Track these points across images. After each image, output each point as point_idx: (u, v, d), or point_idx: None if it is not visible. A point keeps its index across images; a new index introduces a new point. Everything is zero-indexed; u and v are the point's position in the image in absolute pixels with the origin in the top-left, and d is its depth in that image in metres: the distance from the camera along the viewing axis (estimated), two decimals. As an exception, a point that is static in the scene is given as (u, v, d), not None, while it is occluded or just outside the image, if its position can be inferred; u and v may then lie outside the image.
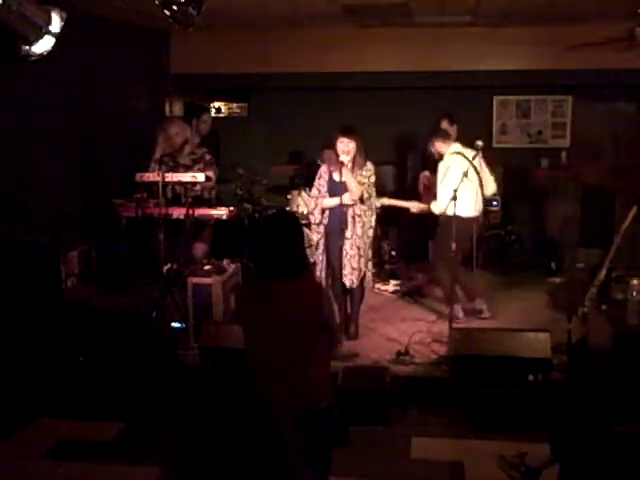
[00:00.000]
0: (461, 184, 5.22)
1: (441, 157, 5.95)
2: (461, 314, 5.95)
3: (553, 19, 7.05)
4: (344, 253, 5.29)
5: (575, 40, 7.23)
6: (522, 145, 8.11)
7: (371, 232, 5.43)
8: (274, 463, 2.85)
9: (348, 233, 5.28)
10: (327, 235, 5.42)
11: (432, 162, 7.34)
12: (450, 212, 5.31)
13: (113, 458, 4.14)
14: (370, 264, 5.57)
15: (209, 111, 7.56)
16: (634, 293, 4.55)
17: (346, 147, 5.20)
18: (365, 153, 5.35)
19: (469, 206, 5.80)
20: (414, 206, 6.22)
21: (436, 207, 5.86)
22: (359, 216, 5.30)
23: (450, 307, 5.42)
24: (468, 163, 5.45)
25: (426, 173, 7.20)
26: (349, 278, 5.33)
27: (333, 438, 3.05)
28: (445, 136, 6.11)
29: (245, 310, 3.08)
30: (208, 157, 6.22)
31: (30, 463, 4.10)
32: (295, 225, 3.09)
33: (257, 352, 2.98)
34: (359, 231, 5.31)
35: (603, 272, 4.91)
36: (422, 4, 6.43)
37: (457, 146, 5.92)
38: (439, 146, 5.99)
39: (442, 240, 5.73)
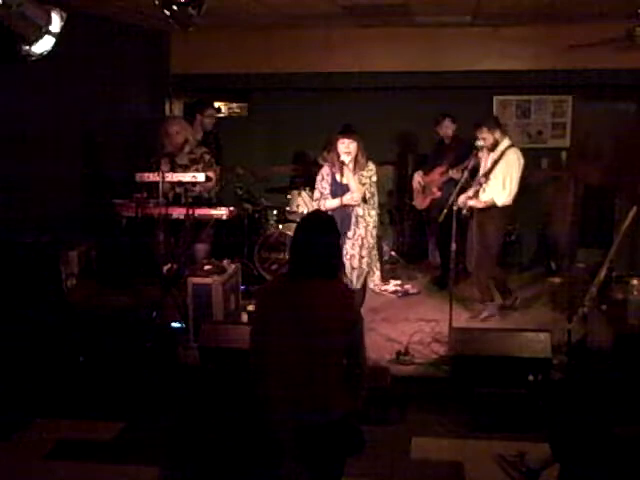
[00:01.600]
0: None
1: (494, 146, 5.90)
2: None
3: (553, 19, 7.05)
4: (344, 253, 5.28)
5: (575, 40, 7.23)
6: (522, 145, 8.05)
7: (375, 232, 5.42)
8: (271, 467, 2.82)
9: (350, 233, 5.28)
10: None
11: (428, 161, 7.38)
12: (500, 203, 5.79)
13: (113, 458, 4.14)
14: (378, 264, 5.54)
15: (213, 106, 7.56)
16: (634, 293, 4.55)
17: (347, 148, 5.18)
18: (366, 151, 5.36)
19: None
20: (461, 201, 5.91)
21: (502, 198, 5.82)
22: (362, 217, 5.30)
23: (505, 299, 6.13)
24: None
25: (420, 172, 7.22)
26: (348, 278, 5.32)
27: (343, 450, 2.96)
28: (503, 127, 6.14)
29: (269, 304, 2.98)
30: (207, 157, 6.21)
31: (30, 463, 4.10)
32: (333, 226, 3.08)
33: (270, 350, 2.87)
34: (362, 232, 5.31)
35: (603, 272, 4.91)
36: (422, 4, 6.43)
37: (508, 139, 6.05)
38: (500, 137, 5.95)
39: (497, 232, 5.97)
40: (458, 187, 5.57)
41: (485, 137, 5.87)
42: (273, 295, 3.01)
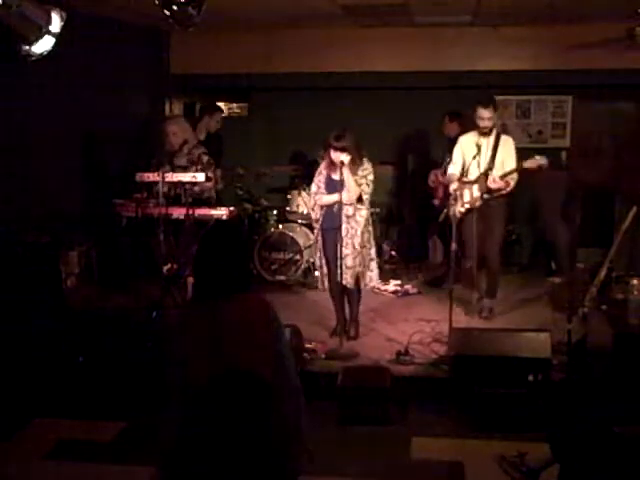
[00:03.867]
0: None
1: (491, 129, 5.81)
2: None
3: (553, 19, 7.05)
4: (343, 253, 5.29)
5: (575, 40, 7.24)
6: (522, 145, 8.07)
7: (366, 230, 5.41)
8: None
9: (343, 233, 5.28)
10: (323, 234, 5.45)
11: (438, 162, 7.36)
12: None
13: (113, 458, 4.14)
14: (374, 263, 5.54)
15: (222, 110, 7.57)
16: (634, 293, 4.55)
17: (338, 159, 5.19)
18: (366, 152, 5.36)
19: None
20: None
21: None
22: (352, 217, 5.32)
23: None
24: None
25: (437, 171, 7.20)
26: (344, 277, 5.34)
27: None
28: None
29: (182, 338, 2.59)
30: (205, 158, 6.19)
31: (30, 463, 4.10)
32: (234, 236, 2.72)
33: (189, 390, 2.46)
34: (353, 231, 5.33)
35: (603, 272, 4.91)
36: (422, 4, 6.43)
37: None
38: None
39: (505, 221, 6.03)
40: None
41: (491, 117, 5.72)
42: (185, 326, 2.64)
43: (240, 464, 2.39)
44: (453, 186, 5.90)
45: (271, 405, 2.46)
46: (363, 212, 5.37)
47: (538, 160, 5.58)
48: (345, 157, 5.21)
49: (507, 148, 5.82)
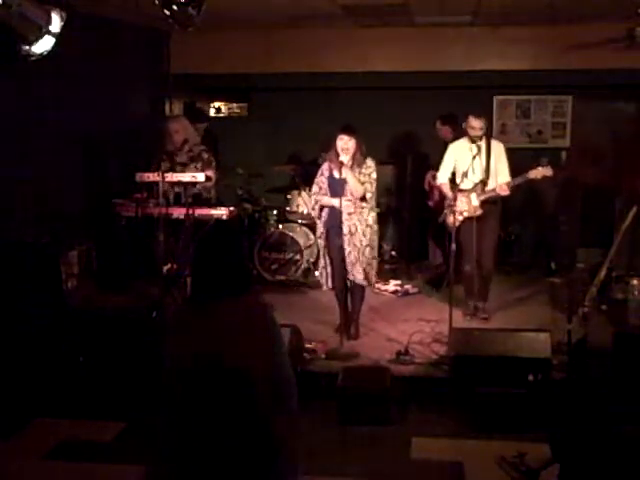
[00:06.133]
0: None
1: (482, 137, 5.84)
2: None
3: (553, 19, 7.06)
4: (345, 250, 5.33)
5: (575, 40, 7.24)
6: (522, 145, 8.10)
7: (369, 230, 5.42)
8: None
9: (345, 229, 5.30)
10: (326, 232, 5.47)
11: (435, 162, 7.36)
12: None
13: (113, 458, 4.14)
14: (375, 262, 5.55)
15: (207, 120, 7.54)
16: (634, 293, 4.55)
17: (345, 145, 5.23)
18: (366, 151, 5.38)
19: None
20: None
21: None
22: (353, 214, 5.33)
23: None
24: None
25: (432, 172, 7.19)
26: (351, 273, 5.37)
27: None
28: None
29: (174, 344, 2.54)
30: (206, 155, 6.20)
31: (30, 463, 4.09)
32: (232, 237, 2.68)
33: (179, 404, 2.43)
34: (353, 229, 5.34)
35: (603, 272, 4.91)
36: (422, 4, 6.43)
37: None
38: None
39: (499, 225, 6.04)
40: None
41: (482, 127, 5.77)
42: (182, 327, 2.58)
43: (237, 464, 2.38)
44: (449, 195, 5.88)
45: (270, 406, 2.46)
46: (365, 211, 5.38)
47: (542, 171, 5.57)
48: (345, 157, 5.24)
49: (498, 153, 5.84)
